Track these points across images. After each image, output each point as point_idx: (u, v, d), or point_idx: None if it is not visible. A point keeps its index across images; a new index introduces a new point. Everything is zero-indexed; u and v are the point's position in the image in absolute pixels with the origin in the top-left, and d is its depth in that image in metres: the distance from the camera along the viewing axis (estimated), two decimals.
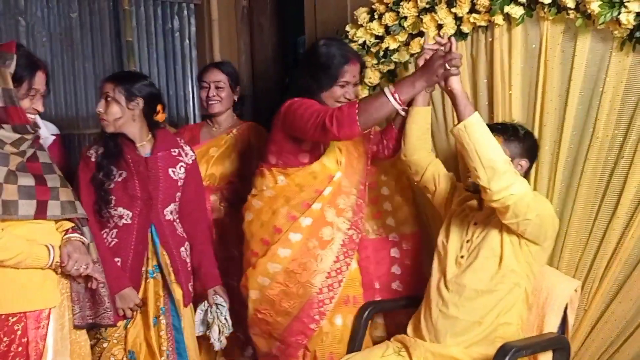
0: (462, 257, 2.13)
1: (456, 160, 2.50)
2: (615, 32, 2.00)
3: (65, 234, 1.95)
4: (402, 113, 2.02)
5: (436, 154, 2.55)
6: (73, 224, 1.98)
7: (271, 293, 2.27)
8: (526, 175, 2.16)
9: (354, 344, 2.29)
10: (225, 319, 2.44)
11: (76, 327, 2.01)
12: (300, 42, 4.17)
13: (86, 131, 3.89)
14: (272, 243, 2.27)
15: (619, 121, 2.07)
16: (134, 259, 2.28)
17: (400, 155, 2.37)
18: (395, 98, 1.93)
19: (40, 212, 1.86)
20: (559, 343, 2.00)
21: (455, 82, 1.96)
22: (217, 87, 2.85)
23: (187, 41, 4.21)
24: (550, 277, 2.14)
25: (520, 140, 2.10)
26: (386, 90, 1.95)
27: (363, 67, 2.41)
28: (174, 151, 2.40)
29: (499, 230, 2.05)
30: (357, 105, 1.98)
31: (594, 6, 1.98)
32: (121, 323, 2.27)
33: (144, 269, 2.31)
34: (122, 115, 2.27)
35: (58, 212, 1.91)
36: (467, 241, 2.14)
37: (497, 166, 1.90)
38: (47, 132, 2.64)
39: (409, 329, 2.24)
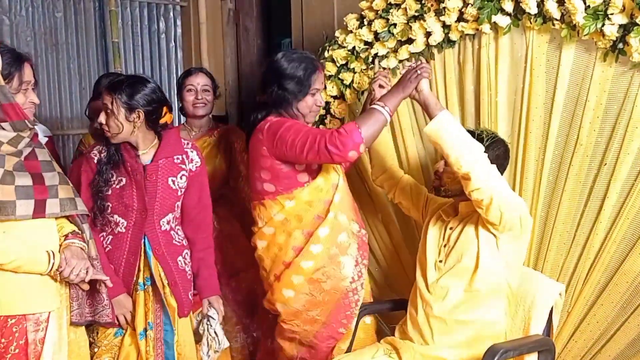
0: (440, 261, 2.18)
1: (427, 170, 2.59)
2: (599, 43, 2.05)
3: (65, 239, 1.92)
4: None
5: (407, 162, 2.64)
6: (73, 229, 1.95)
7: (296, 305, 2.26)
8: None
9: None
10: (214, 332, 2.37)
11: (73, 324, 1.99)
12: (285, 44, 4.19)
13: (70, 132, 3.87)
14: (293, 259, 2.25)
15: (602, 129, 2.12)
16: (125, 269, 2.23)
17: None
18: (387, 110, 2.09)
19: (39, 212, 1.84)
20: (544, 345, 2.05)
21: (424, 83, 2.11)
22: (204, 91, 2.88)
23: (173, 43, 4.22)
24: (535, 281, 2.18)
25: (485, 149, 2.12)
26: (377, 105, 2.09)
27: (323, 72, 2.40)
28: (177, 158, 2.29)
29: (474, 234, 2.10)
30: (357, 125, 2.05)
31: (579, 17, 2.04)
32: (111, 331, 2.23)
33: (134, 280, 2.24)
34: (122, 129, 2.18)
35: (57, 210, 1.88)
36: (445, 245, 2.19)
37: (477, 152, 1.99)
38: (41, 134, 2.61)
39: (397, 333, 2.28)
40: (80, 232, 1.96)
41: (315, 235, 2.23)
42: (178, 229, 2.34)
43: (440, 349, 2.11)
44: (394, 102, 2.12)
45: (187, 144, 2.36)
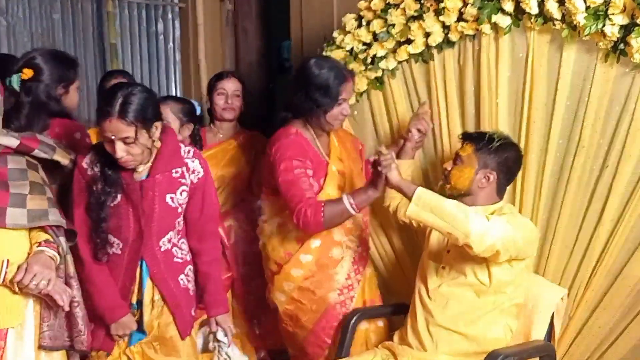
0: (442, 267, 2.15)
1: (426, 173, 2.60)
2: (600, 43, 2.03)
3: (38, 246, 1.78)
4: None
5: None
6: (48, 237, 1.81)
7: (288, 308, 2.39)
8: (501, 188, 2.17)
9: (342, 351, 2.28)
10: (227, 354, 2.22)
11: (42, 347, 1.82)
12: (284, 46, 4.17)
13: None
14: (284, 264, 2.36)
15: (603, 130, 2.10)
16: (120, 292, 2.09)
17: None
18: (353, 208, 2.16)
19: None
20: (545, 350, 2.03)
21: (393, 175, 2.05)
22: (235, 96, 2.89)
23: (171, 44, 4.20)
24: (537, 285, 2.16)
25: (491, 152, 2.10)
26: (345, 200, 2.15)
27: (354, 82, 2.40)
28: (176, 172, 2.06)
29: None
30: (322, 213, 2.13)
31: (580, 18, 2.01)
32: (102, 354, 2.12)
33: (128, 302, 2.11)
34: (146, 149, 1.98)
35: (24, 221, 1.76)
36: (447, 251, 2.15)
37: (464, 216, 1.93)
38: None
39: (395, 338, 2.25)
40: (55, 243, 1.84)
41: (306, 245, 2.32)
42: (182, 243, 2.17)
43: (440, 356, 2.08)
44: (363, 201, 2.17)
45: (188, 152, 2.13)
